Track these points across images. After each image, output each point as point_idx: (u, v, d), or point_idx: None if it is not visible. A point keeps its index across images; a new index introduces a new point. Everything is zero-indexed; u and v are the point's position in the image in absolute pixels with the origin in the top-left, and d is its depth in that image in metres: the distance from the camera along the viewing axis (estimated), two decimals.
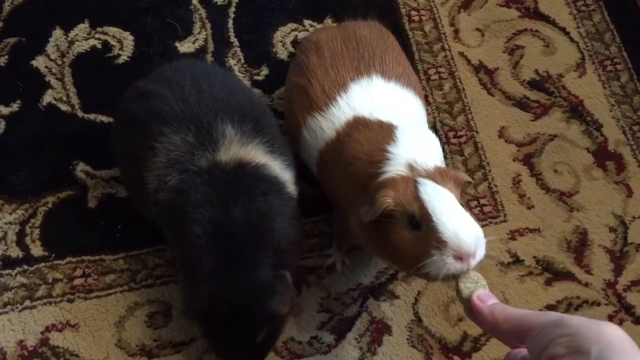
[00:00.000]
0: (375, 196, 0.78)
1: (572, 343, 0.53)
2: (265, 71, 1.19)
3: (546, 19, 1.24)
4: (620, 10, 1.24)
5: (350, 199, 0.86)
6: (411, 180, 0.78)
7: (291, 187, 0.91)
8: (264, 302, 0.82)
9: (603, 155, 1.12)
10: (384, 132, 0.87)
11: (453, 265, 0.73)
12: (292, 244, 0.88)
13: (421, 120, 0.96)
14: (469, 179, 0.83)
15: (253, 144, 0.88)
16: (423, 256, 0.75)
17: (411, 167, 0.80)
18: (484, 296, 0.65)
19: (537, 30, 1.23)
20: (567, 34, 1.23)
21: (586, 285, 1.02)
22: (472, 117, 1.15)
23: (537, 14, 1.24)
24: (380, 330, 0.98)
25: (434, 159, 0.82)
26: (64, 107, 1.15)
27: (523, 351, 0.62)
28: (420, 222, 0.76)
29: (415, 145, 0.83)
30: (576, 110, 1.16)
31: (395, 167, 0.81)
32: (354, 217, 0.84)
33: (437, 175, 0.79)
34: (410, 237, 0.77)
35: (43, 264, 1.02)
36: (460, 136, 1.14)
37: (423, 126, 0.96)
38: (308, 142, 0.95)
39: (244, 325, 0.83)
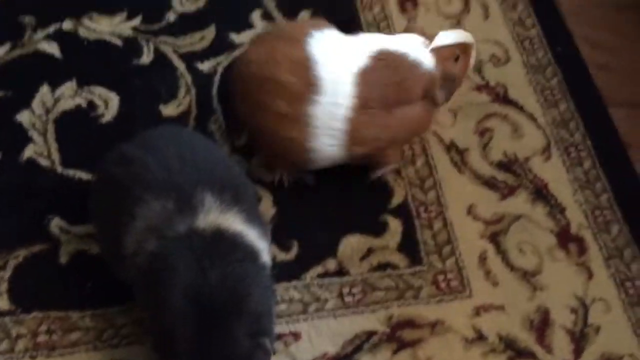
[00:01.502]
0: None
1: None
2: (244, 138, 1.22)
3: (515, 104, 1.31)
4: (584, 100, 1.32)
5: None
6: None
7: (266, 257, 0.93)
8: None
9: (566, 238, 1.16)
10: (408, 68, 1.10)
11: None
12: (268, 310, 0.89)
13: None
14: None
15: (231, 212, 0.91)
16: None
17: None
18: None
19: (506, 115, 1.29)
20: (534, 120, 1.29)
21: None
22: (443, 193, 1.20)
23: (506, 100, 1.31)
24: None
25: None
26: (43, 162, 1.16)
27: None
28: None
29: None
30: (541, 193, 1.21)
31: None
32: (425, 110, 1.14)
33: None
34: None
35: (8, 318, 1.01)
36: (431, 211, 1.17)
37: None
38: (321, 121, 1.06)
39: None
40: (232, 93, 1.13)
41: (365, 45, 1.09)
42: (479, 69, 1.32)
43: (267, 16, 1.38)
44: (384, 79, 1.07)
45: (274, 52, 1.05)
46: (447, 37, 1.12)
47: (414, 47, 1.10)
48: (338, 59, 1.06)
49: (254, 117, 1.09)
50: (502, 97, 1.31)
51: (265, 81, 1.04)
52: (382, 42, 1.11)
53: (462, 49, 1.14)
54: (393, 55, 1.08)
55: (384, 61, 1.07)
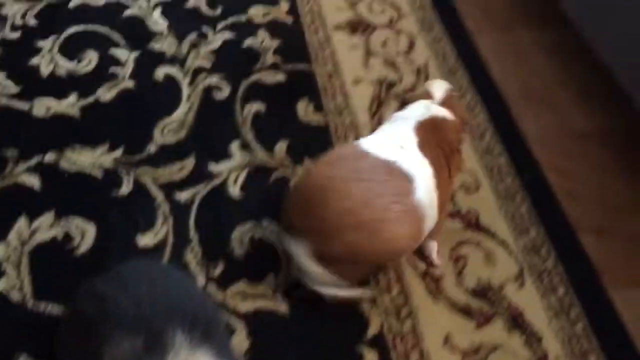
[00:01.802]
0: None
1: None
2: (220, 268, 1.23)
3: (487, 231, 1.33)
4: (554, 226, 1.34)
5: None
6: None
7: None
8: None
9: None
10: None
11: None
12: None
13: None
14: None
15: (201, 350, 0.89)
16: None
17: None
18: None
19: (479, 242, 1.32)
20: (506, 246, 1.31)
21: None
22: (418, 322, 1.19)
23: (478, 227, 1.34)
24: None
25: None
26: (15, 296, 1.15)
27: None
28: None
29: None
30: (517, 321, 1.20)
31: None
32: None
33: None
34: None
35: None
36: (407, 342, 1.16)
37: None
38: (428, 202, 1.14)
39: None
40: (321, 220, 1.09)
41: (402, 126, 1.19)
42: (451, 197, 1.36)
43: (245, 147, 1.44)
44: (434, 141, 1.18)
45: (363, 170, 1.12)
46: (440, 86, 1.26)
47: (432, 107, 1.22)
48: (401, 146, 1.16)
49: (367, 232, 1.09)
50: (474, 224, 1.34)
51: (375, 198, 1.09)
52: (409, 115, 1.21)
53: (450, 94, 1.26)
54: (426, 120, 1.20)
55: (424, 127, 1.19)
